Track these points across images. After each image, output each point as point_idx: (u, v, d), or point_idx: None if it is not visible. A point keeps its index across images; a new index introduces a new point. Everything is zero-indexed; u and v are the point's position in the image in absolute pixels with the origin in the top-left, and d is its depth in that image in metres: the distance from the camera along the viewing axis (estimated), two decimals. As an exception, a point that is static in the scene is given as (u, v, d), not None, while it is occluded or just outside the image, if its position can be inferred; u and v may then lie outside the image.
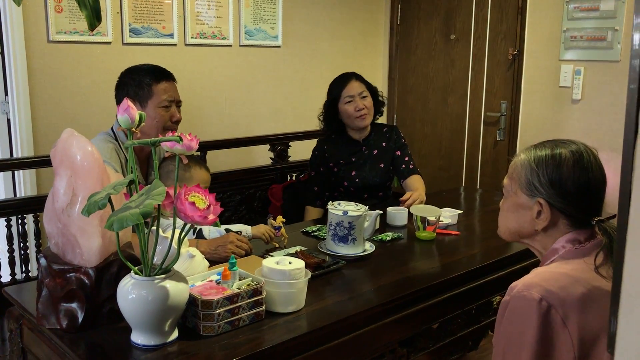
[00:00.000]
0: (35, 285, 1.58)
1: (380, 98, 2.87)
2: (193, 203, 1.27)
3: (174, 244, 1.38)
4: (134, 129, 1.33)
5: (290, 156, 3.29)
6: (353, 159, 2.82)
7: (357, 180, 2.79)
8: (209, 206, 1.29)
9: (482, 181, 4.29)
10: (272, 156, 3.23)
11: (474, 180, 4.34)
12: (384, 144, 2.86)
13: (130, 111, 1.30)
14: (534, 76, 3.92)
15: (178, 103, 2.25)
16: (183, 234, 1.38)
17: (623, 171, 0.78)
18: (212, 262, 1.87)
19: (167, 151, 1.37)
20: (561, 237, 1.35)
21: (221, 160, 3.31)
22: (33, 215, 2.51)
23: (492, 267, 2.01)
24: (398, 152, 2.86)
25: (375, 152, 2.84)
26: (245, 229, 2.11)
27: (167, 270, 1.38)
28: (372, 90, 2.84)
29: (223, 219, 3.02)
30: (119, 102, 2.23)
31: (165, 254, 1.40)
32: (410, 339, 1.76)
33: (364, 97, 2.77)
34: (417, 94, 4.63)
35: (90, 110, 3.28)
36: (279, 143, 3.23)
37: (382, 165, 2.83)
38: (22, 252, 2.48)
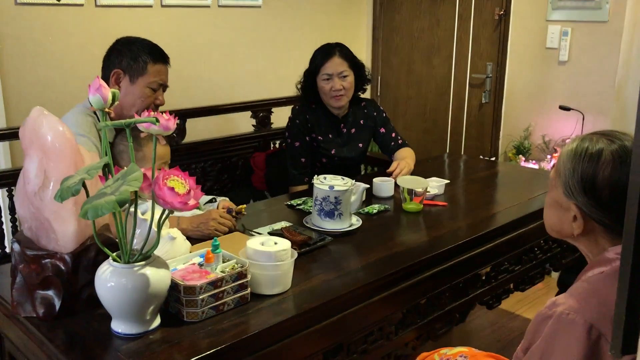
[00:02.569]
0: (8, 268, 1.51)
1: (366, 75, 2.71)
2: (172, 188, 1.20)
3: (154, 227, 1.31)
4: (107, 109, 1.25)
5: (272, 123, 3.21)
6: (330, 136, 2.71)
7: (335, 158, 2.71)
8: (189, 191, 1.22)
9: (467, 144, 4.25)
10: (254, 123, 3.15)
11: (458, 144, 4.30)
12: (361, 122, 2.76)
13: (102, 90, 1.22)
14: (520, 37, 3.84)
15: (165, 87, 2.22)
16: (163, 217, 1.32)
17: (634, 166, 0.73)
18: (195, 240, 1.82)
19: (141, 131, 1.29)
20: (612, 246, 1.15)
21: (201, 128, 3.22)
22: (7, 190, 2.42)
23: (480, 239, 1.98)
24: (382, 130, 2.76)
25: (354, 130, 2.74)
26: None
27: (147, 257, 1.32)
28: (357, 66, 2.67)
29: (205, 189, 2.95)
30: (106, 68, 2.15)
31: (145, 238, 1.34)
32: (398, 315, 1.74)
33: (344, 76, 2.60)
34: (402, 55, 4.53)
35: (65, 77, 3.15)
36: (260, 110, 3.14)
37: (360, 145, 2.75)
38: (-3, 227, 2.40)
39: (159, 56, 2.16)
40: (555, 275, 3.18)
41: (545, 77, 3.75)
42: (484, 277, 2.05)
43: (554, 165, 1.27)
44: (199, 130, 3.17)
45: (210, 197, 2.24)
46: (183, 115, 2.84)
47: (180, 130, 2.84)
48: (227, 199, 2.22)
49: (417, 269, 1.76)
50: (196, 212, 2.03)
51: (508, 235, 2.08)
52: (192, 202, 1.23)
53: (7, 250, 2.43)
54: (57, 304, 1.39)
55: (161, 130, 1.28)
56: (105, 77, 2.14)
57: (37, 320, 1.39)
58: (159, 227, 1.29)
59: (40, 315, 1.39)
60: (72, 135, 1.37)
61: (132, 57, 2.11)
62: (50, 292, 1.39)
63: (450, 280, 1.88)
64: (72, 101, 3.20)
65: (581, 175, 1.15)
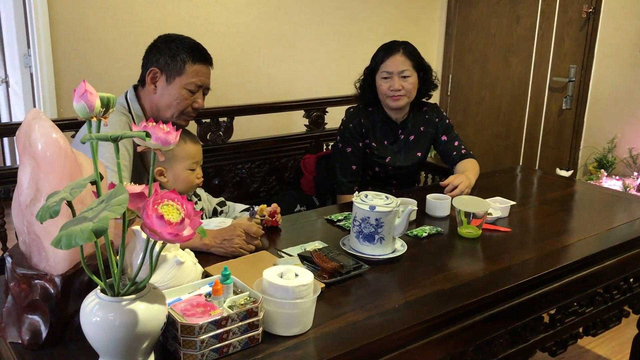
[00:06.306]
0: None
1: (433, 79, 2.47)
2: (162, 216, 1.01)
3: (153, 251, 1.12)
4: (95, 118, 1.07)
5: (327, 123, 2.99)
6: (385, 142, 2.48)
7: (389, 167, 2.47)
8: (182, 220, 1.02)
9: (543, 154, 3.89)
10: (307, 123, 2.94)
11: (533, 152, 3.94)
12: (422, 129, 2.51)
13: (87, 97, 1.04)
14: (610, 38, 3.44)
15: (205, 90, 2.04)
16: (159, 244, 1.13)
17: None
18: (219, 257, 1.64)
19: (138, 145, 1.10)
20: None
21: (254, 125, 3.04)
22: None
23: (546, 277, 1.70)
24: (444, 137, 2.51)
25: (412, 137, 2.50)
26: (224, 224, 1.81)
27: (140, 288, 1.14)
28: (423, 68, 2.44)
29: (251, 190, 2.78)
30: (145, 65, 2.01)
31: (141, 261, 1.16)
32: (441, 363, 1.49)
33: (405, 77, 2.37)
34: (476, 53, 4.20)
35: (116, 65, 3.06)
36: (314, 109, 2.92)
37: (419, 154, 2.51)
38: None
39: (200, 56, 1.98)
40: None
41: (637, 84, 3.34)
42: (547, 320, 1.76)
43: None
44: (253, 126, 3.00)
45: (245, 206, 2.05)
46: (230, 113, 2.67)
47: (227, 128, 2.67)
48: (274, 205, 1.97)
49: (466, 311, 1.50)
50: (225, 221, 1.85)
51: (580, 273, 1.78)
52: (187, 232, 1.03)
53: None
54: (44, 331, 1.23)
55: (159, 144, 1.09)
56: (142, 75, 2.00)
57: (22, 348, 1.24)
58: (151, 256, 1.11)
59: (25, 343, 1.24)
60: (67, 143, 1.21)
61: (171, 55, 1.95)
62: (37, 317, 1.24)
63: (506, 324, 1.61)
64: (122, 89, 3.11)
65: None
